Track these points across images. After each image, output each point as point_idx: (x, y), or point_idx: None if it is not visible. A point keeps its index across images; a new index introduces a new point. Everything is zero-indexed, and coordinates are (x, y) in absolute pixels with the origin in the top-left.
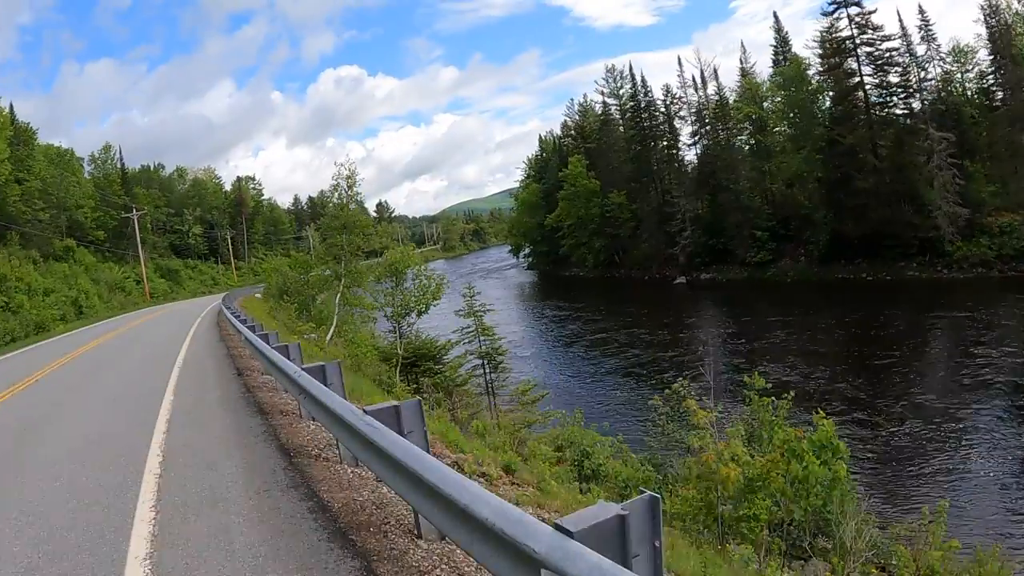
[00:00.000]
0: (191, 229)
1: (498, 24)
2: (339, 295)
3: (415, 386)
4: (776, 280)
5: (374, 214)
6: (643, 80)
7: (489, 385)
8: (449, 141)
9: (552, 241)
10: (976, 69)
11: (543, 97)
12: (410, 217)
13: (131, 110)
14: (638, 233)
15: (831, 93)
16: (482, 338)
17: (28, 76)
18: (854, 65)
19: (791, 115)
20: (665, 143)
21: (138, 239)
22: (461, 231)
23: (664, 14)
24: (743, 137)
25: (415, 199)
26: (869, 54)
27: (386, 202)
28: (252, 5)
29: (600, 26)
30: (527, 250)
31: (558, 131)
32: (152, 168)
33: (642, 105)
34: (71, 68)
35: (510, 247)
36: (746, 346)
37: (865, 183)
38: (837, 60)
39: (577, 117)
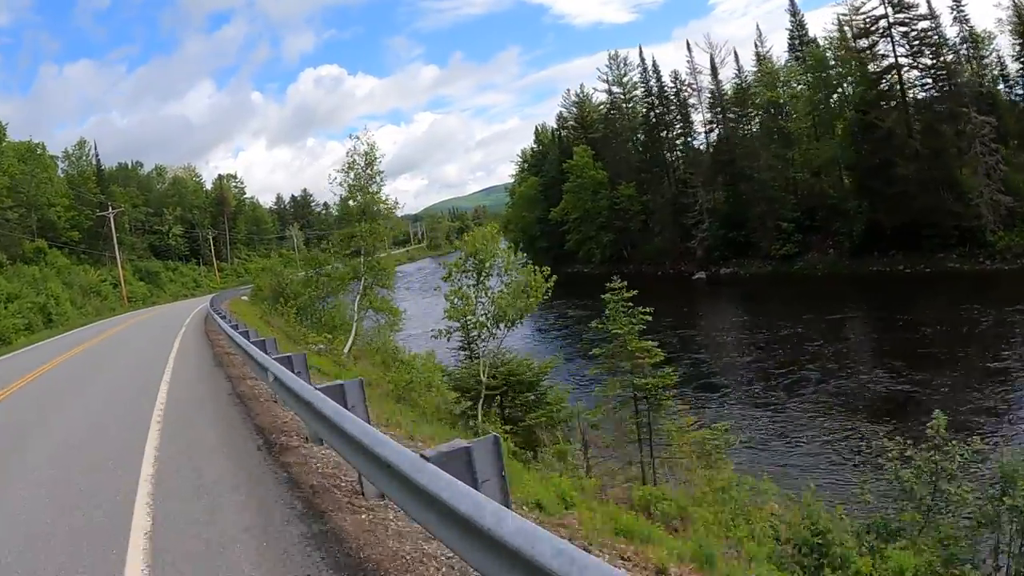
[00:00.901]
0: (171, 229)
1: (478, 22)
2: (359, 297)
3: (508, 428)
4: (804, 274)
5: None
6: (654, 65)
7: (644, 430)
8: (430, 140)
9: (553, 236)
10: (994, 54)
11: (523, 95)
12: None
13: (110, 111)
14: (649, 226)
15: (858, 75)
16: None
17: (7, 78)
18: (887, 46)
19: (818, 98)
20: (679, 130)
21: (115, 239)
22: (446, 229)
23: (643, 11)
24: (756, 123)
25: (396, 198)
26: (904, 34)
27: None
28: (232, 4)
29: (579, 23)
30: (521, 246)
31: (552, 123)
32: (130, 166)
33: (653, 91)
34: (49, 70)
35: (506, 243)
36: (806, 347)
37: (906, 169)
38: (869, 41)
39: (573, 108)
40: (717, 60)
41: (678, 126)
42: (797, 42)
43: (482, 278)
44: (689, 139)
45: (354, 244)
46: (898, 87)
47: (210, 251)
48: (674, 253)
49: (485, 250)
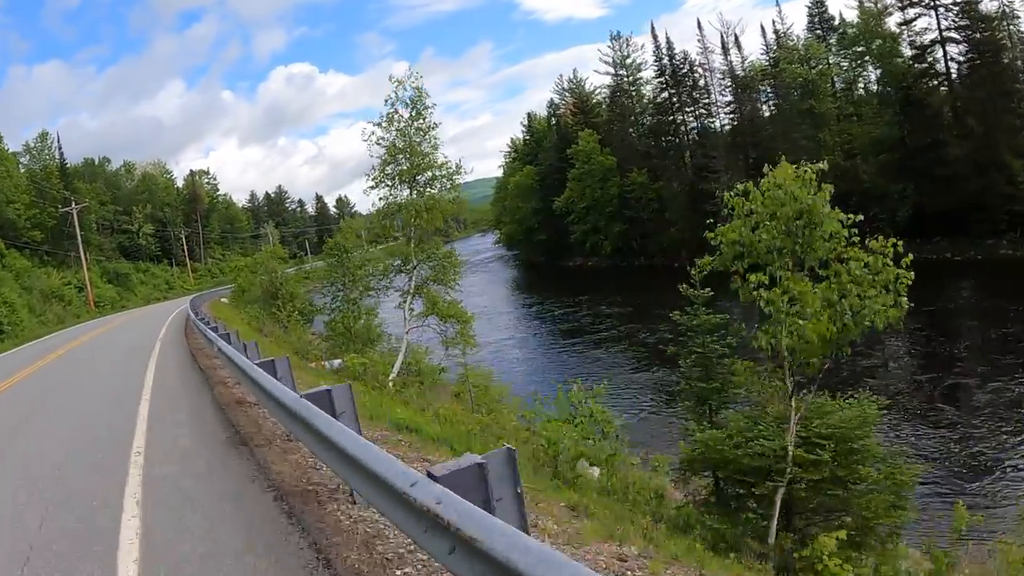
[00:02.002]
0: (141, 228)
1: (449, 18)
2: (408, 299)
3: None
4: None
5: (334, 210)
6: (668, 42)
7: None
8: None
9: (552, 227)
10: None
11: (494, 91)
12: (363, 214)
13: (80, 113)
14: (664, 215)
15: (890, 51)
16: None
17: None
18: (929, 20)
19: (855, 75)
20: (695, 111)
21: (79, 237)
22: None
23: (613, 6)
24: (784, 103)
25: (368, 196)
26: (947, 6)
27: (345, 196)
28: (202, 3)
29: (550, 19)
30: (515, 238)
31: (539, 113)
32: (96, 162)
33: (667, 70)
34: (18, 71)
35: (496, 237)
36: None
37: (959, 149)
38: (912, 12)
39: (567, 95)
40: (728, 39)
41: (693, 107)
42: (816, 19)
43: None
44: (707, 121)
45: (405, 228)
46: (943, 63)
47: (183, 251)
48: (693, 244)
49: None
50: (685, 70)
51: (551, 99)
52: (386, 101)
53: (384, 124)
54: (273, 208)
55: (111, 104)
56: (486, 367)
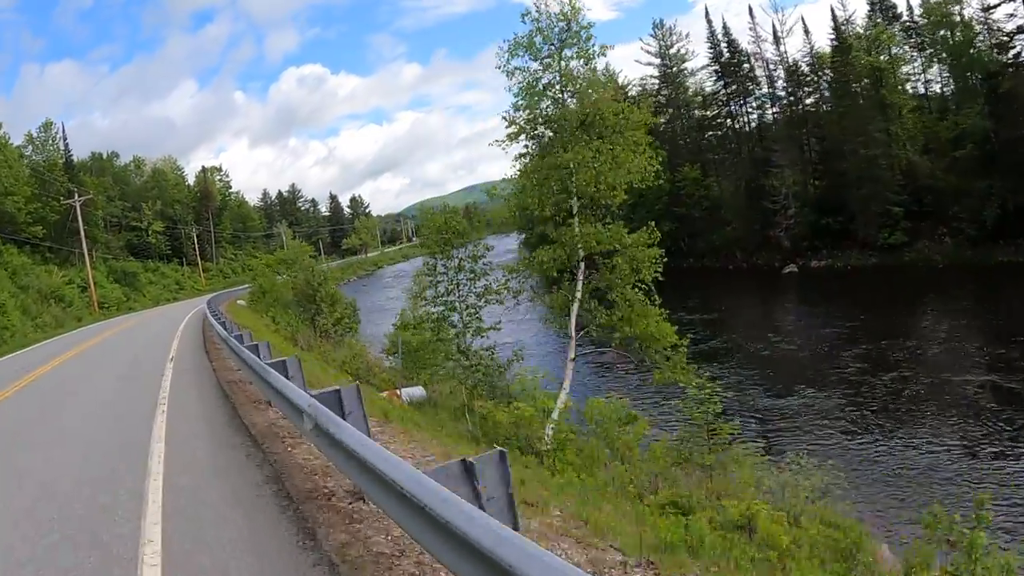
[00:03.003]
0: (151, 226)
1: (461, 20)
2: (575, 309)
3: None
4: (918, 266)
5: (348, 210)
6: (724, 29)
7: None
8: (411, 139)
9: None
10: None
11: (504, 93)
12: (373, 215)
13: (92, 112)
14: (713, 213)
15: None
16: None
17: None
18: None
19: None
20: (754, 102)
21: (82, 232)
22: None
23: (624, 8)
24: (856, 95)
25: (377, 198)
26: None
27: (360, 196)
28: (215, 3)
29: None
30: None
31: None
32: (105, 156)
33: (723, 56)
34: (31, 70)
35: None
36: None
37: None
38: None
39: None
40: (783, 28)
41: (747, 98)
42: (878, 6)
43: None
44: (761, 113)
45: (565, 201)
46: None
47: (194, 250)
48: (751, 244)
49: None
50: (739, 59)
51: None
52: (523, 17)
53: (524, 43)
54: (286, 207)
55: (123, 104)
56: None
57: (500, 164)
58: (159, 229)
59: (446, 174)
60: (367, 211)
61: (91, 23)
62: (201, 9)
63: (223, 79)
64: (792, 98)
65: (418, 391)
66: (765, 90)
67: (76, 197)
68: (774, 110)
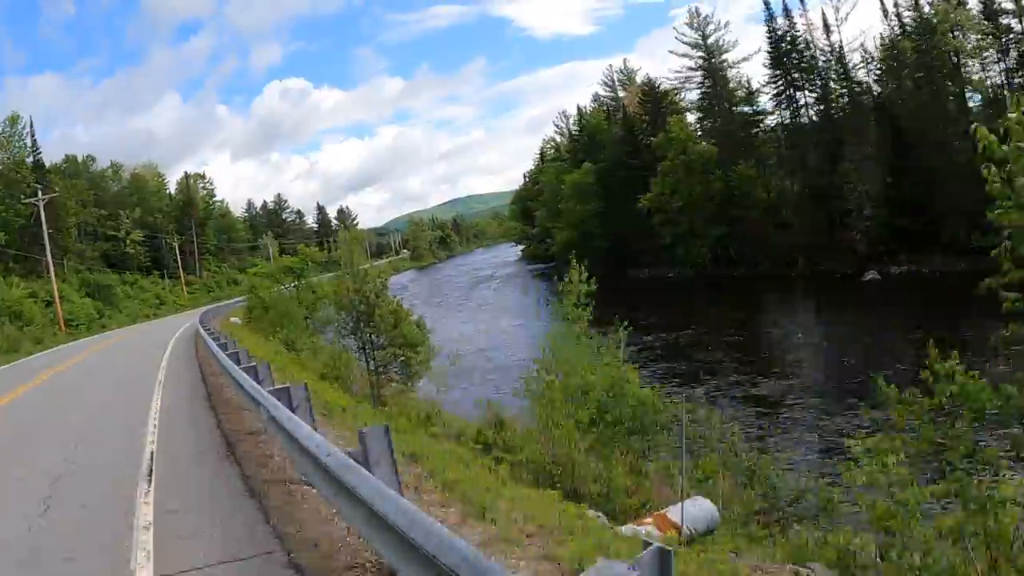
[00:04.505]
0: (129, 235)
1: (444, 34)
2: None
3: None
4: None
5: (336, 222)
6: (785, 8)
7: None
8: (393, 153)
9: (615, 232)
10: None
11: (486, 107)
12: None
13: (75, 125)
14: (772, 216)
15: None
16: None
17: None
18: None
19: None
20: (818, 91)
21: (46, 235)
22: (429, 238)
23: (604, 23)
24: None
25: (359, 211)
26: None
27: (347, 208)
28: (200, 15)
29: (541, 35)
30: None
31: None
32: (81, 160)
33: (785, 41)
34: (14, 82)
35: (523, 247)
36: None
37: None
38: None
39: (617, 87)
40: (833, 16)
41: (807, 87)
42: None
43: None
44: (836, 103)
45: None
46: None
47: (175, 262)
48: (817, 248)
49: None
50: (798, 45)
51: (595, 93)
52: None
53: None
54: (272, 218)
55: (105, 117)
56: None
57: (486, 178)
58: (138, 239)
59: (428, 188)
60: (356, 222)
61: (75, 35)
62: (185, 21)
63: (206, 92)
64: (861, 87)
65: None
66: (826, 79)
67: (40, 196)
68: (843, 99)
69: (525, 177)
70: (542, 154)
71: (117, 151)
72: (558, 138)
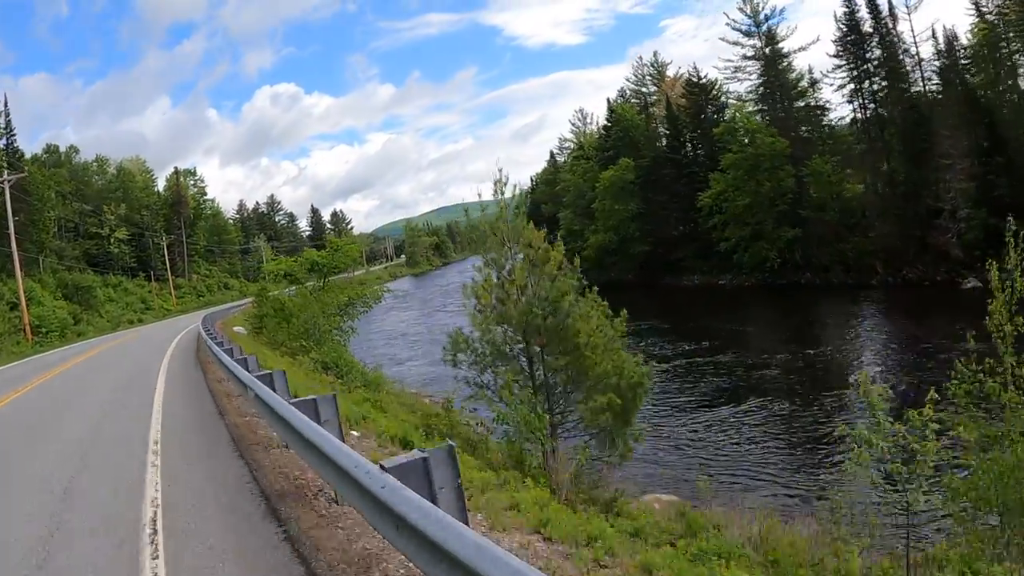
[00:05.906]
0: (113, 233)
1: (435, 42)
2: None
3: None
4: None
5: (330, 227)
6: None
7: None
8: (382, 160)
9: (657, 234)
10: None
11: (475, 115)
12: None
13: (65, 127)
14: (847, 217)
15: None
16: None
17: None
18: None
19: None
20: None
21: (11, 222)
22: (426, 244)
23: (594, 33)
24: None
25: (348, 218)
26: None
27: (341, 211)
28: (193, 18)
29: (532, 45)
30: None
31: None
32: (64, 151)
33: (862, 27)
34: (4, 83)
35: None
36: None
37: None
38: None
39: (648, 80)
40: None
41: (886, 76)
42: None
43: None
44: (924, 94)
45: None
46: None
47: (163, 263)
48: (898, 253)
49: None
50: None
51: (622, 88)
52: None
53: None
54: (263, 221)
55: (96, 119)
56: None
57: (470, 186)
58: (123, 237)
59: (416, 195)
60: (350, 227)
61: (66, 36)
62: (178, 24)
63: (197, 96)
64: (953, 76)
65: None
66: (904, 70)
67: (4, 175)
68: (933, 89)
69: (533, 180)
70: (553, 156)
71: (106, 153)
72: (573, 138)
